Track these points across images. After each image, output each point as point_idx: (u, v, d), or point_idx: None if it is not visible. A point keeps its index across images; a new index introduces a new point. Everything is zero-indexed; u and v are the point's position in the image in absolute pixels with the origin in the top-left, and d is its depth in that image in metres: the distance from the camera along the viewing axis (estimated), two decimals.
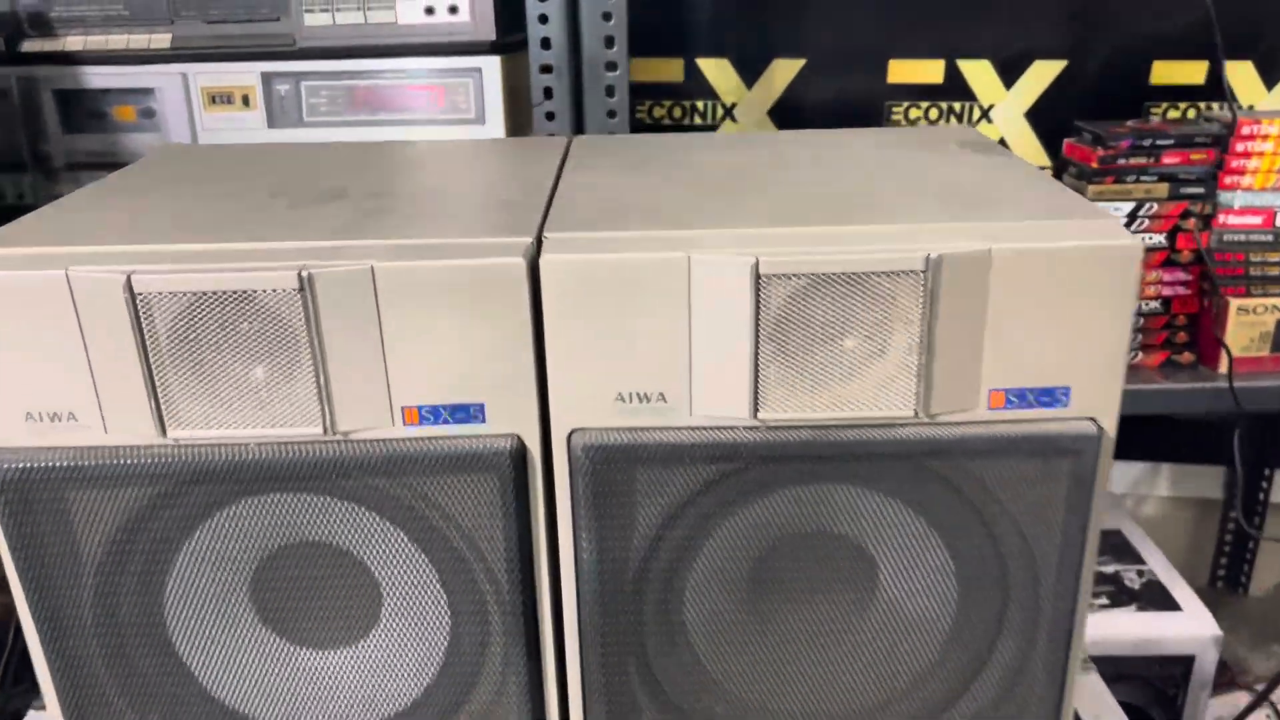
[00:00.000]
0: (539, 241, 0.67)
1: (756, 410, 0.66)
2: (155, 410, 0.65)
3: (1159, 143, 1.31)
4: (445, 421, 0.67)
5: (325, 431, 0.66)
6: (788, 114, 1.63)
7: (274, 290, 0.63)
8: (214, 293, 0.63)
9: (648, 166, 0.85)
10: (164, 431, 0.66)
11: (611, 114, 1.47)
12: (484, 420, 0.67)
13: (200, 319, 0.63)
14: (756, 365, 0.65)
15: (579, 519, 0.69)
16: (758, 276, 0.63)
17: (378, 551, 0.70)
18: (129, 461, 0.66)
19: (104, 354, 0.64)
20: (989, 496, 0.70)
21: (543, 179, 0.82)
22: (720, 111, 1.67)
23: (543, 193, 0.78)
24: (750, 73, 1.64)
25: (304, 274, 0.62)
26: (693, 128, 1.69)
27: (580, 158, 0.89)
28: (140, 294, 0.62)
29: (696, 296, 0.64)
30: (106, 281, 0.62)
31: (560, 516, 0.70)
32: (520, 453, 0.67)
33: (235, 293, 0.63)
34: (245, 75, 1.41)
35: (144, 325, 0.63)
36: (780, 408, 0.66)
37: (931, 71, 1.62)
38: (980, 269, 0.64)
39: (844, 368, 0.66)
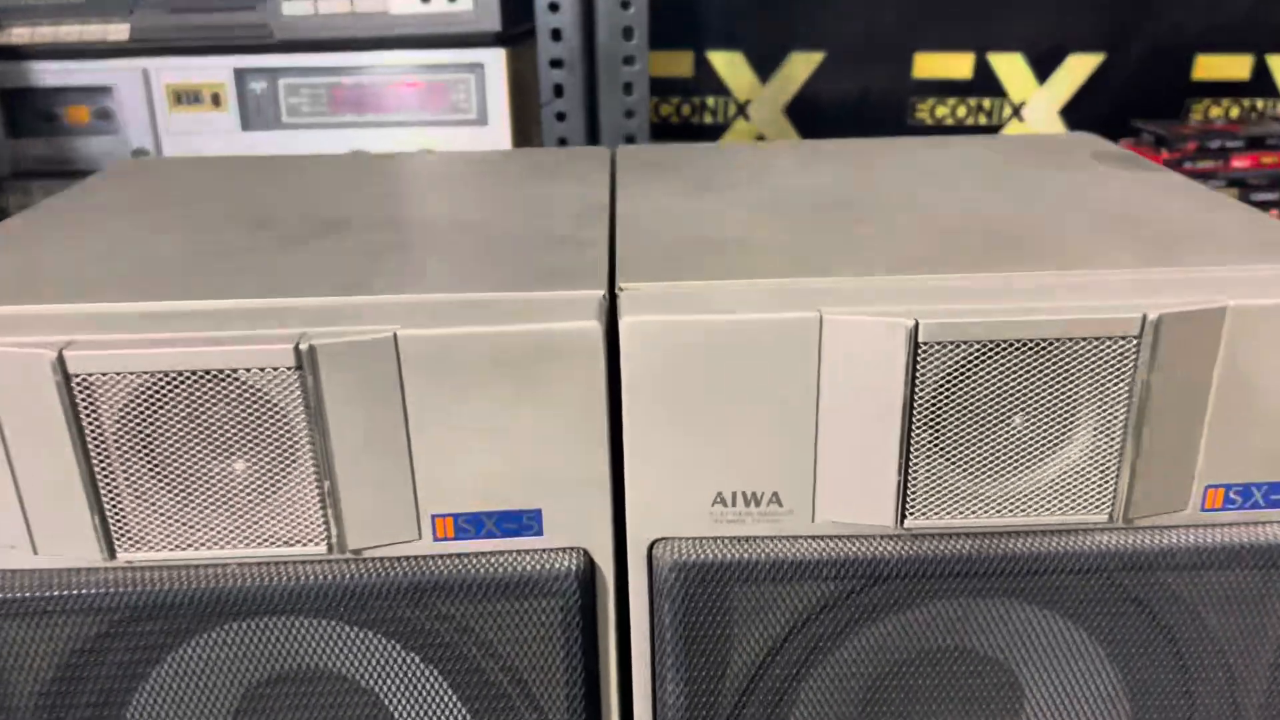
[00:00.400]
0: (612, 295, 0.51)
1: (903, 517, 0.50)
2: (99, 526, 0.48)
3: (1228, 145, 1.18)
4: (490, 534, 0.50)
5: (331, 550, 0.49)
6: (805, 112, 1.53)
7: (263, 369, 0.46)
8: (179, 373, 0.46)
9: (721, 186, 0.68)
10: (112, 553, 0.49)
11: (629, 114, 1.32)
12: (540, 531, 0.51)
13: (161, 407, 0.47)
14: (906, 458, 0.49)
15: (663, 654, 0.53)
16: (916, 342, 0.47)
17: (397, 688, 0.54)
18: (63, 593, 0.49)
19: (29, 452, 0.47)
20: (1189, 617, 0.54)
21: (595, 204, 0.65)
22: (733, 109, 1.55)
23: (598, 224, 0.61)
24: (765, 67, 1.51)
25: (303, 347, 0.46)
26: (702, 127, 1.56)
27: (632, 174, 0.73)
28: (77, 376, 0.45)
29: (829, 369, 0.48)
30: (29, 359, 0.45)
31: (636, 650, 0.54)
32: (588, 572, 0.51)
33: (209, 373, 0.46)
34: (215, 71, 1.25)
35: (82, 416, 0.46)
36: (933, 512, 0.50)
37: (960, 65, 1.52)
38: (1210, 331, 0.48)
39: (1017, 459, 0.49)
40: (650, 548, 0.52)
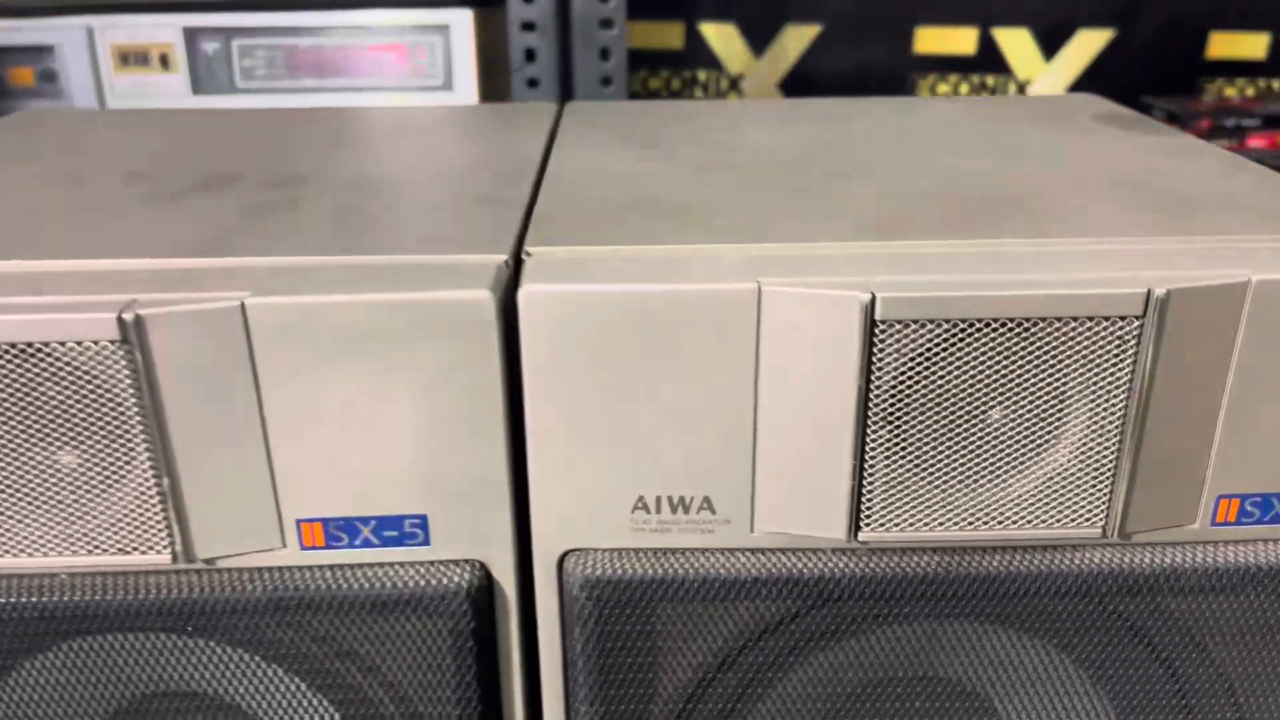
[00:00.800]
0: (517, 261, 0.43)
1: (857, 528, 0.42)
2: None
3: (1244, 123, 1.11)
4: (367, 544, 0.43)
5: (176, 559, 0.42)
6: (800, 87, 1.46)
7: (82, 343, 0.38)
8: None
9: (672, 144, 0.60)
10: None
11: (606, 81, 1.24)
12: (427, 541, 0.43)
13: None
14: (862, 460, 0.41)
15: (576, 684, 0.45)
16: (872, 320, 0.39)
17: (272, 706, 0.46)
18: None
19: None
20: (1193, 649, 0.46)
21: (524, 161, 0.57)
22: (725, 83, 1.47)
23: (524, 181, 0.53)
24: (759, 39, 1.44)
25: (127, 316, 0.38)
26: None
27: (575, 130, 0.64)
28: None
29: (769, 351, 0.40)
30: None
31: (547, 679, 0.46)
32: (484, 589, 0.43)
33: (23, 347, 0.38)
34: (163, 30, 1.18)
35: None
36: (892, 523, 0.42)
37: (963, 40, 1.45)
38: (1228, 310, 0.40)
39: (994, 462, 0.41)
40: (560, 561, 0.44)
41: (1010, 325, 0.39)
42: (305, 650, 0.44)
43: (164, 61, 1.22)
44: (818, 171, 0.54)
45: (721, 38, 1.45)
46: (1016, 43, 1.45)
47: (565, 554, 0.44)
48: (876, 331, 0.39)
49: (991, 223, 0.46)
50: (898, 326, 0.39)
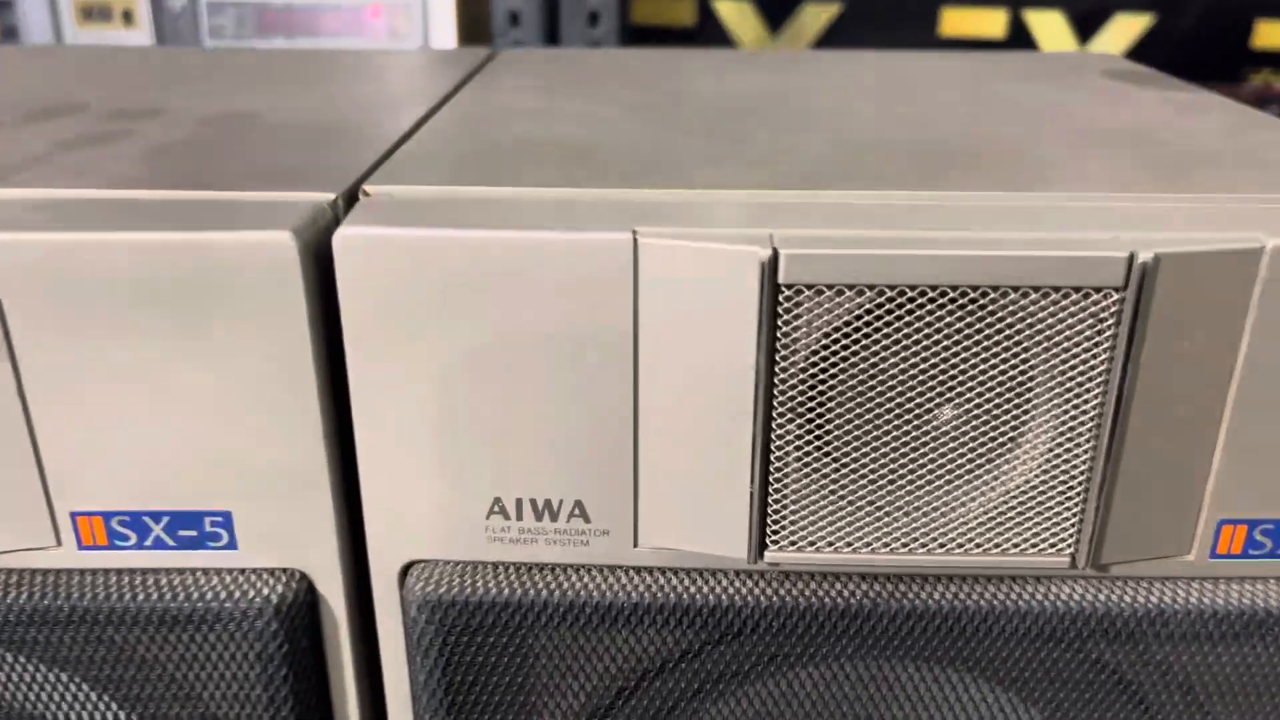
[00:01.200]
0: (350, 199, 0.34)
1: (762, 547, 0.34)
2: None
3: None
4: (160, 544, 0.35)
5: None
6: None
7: None
8: None
9: (607, 90, 0.52)
10: None
11: (595, 46, 1.16)
12: (233, 543, 0.35)
13: None
14: (766, 460, 0.32)
15: (422, 712, 0.37)
16: (776, 284, 0.30)
17: (66, 716, 0.38)
18: None
19: None
20: (1188, 706, 0.37)
21: (421, 100, 0.49)
22: None
23: (406, 119, 0.45)
24: (775, 18, 1.37)
25: None
26: None
27: (501, 73, 0.56)
28: None
29: (650, 319, 0.31)
30: None
31: (393, 708, 0.38)
32: (304, 605, 0.35)
33: None
34: None
35: None
36: (807, 541, 0.34)
37: (992, 23, 1.37)
38: (1237, 282, 0.31)
39: (940, 471, 0.33)
40: (403, 575, 0.36)
41: (958, 297, 0.31)
42: (93, 656, 0.36)
43: (126, 17, 1.15)
44: (759, 120, 0.45)
45: (736, 15, 1.38)
46: (1049, 26, 1.38)
47: (408, 566, 0.36)
48: (781, 299, 0.31)
49: (945, 175, 0.37)
50: (808, 293, 0.30)
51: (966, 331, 0.31)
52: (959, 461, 0.33)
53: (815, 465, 0.33)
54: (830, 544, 0.34)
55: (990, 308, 0.31)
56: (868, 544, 0.34)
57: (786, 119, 0.45)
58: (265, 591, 0.34)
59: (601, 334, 0.32)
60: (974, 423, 0.32)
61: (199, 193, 0.34)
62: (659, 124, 0.44)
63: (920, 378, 0.32)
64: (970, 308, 0.31)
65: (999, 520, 0.34)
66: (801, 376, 0.32)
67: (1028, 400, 0.32)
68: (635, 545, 0.35)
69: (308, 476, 0.34)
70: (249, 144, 0.40)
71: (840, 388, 0.32)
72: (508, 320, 0.32)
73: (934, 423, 0.33)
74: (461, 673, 0.36)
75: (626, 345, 0.32)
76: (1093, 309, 0.31)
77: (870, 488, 0.33)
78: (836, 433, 0.32)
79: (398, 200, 0.34)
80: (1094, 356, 0.31)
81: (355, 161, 0.38)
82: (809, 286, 0.30)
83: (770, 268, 0.30)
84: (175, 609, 0.34)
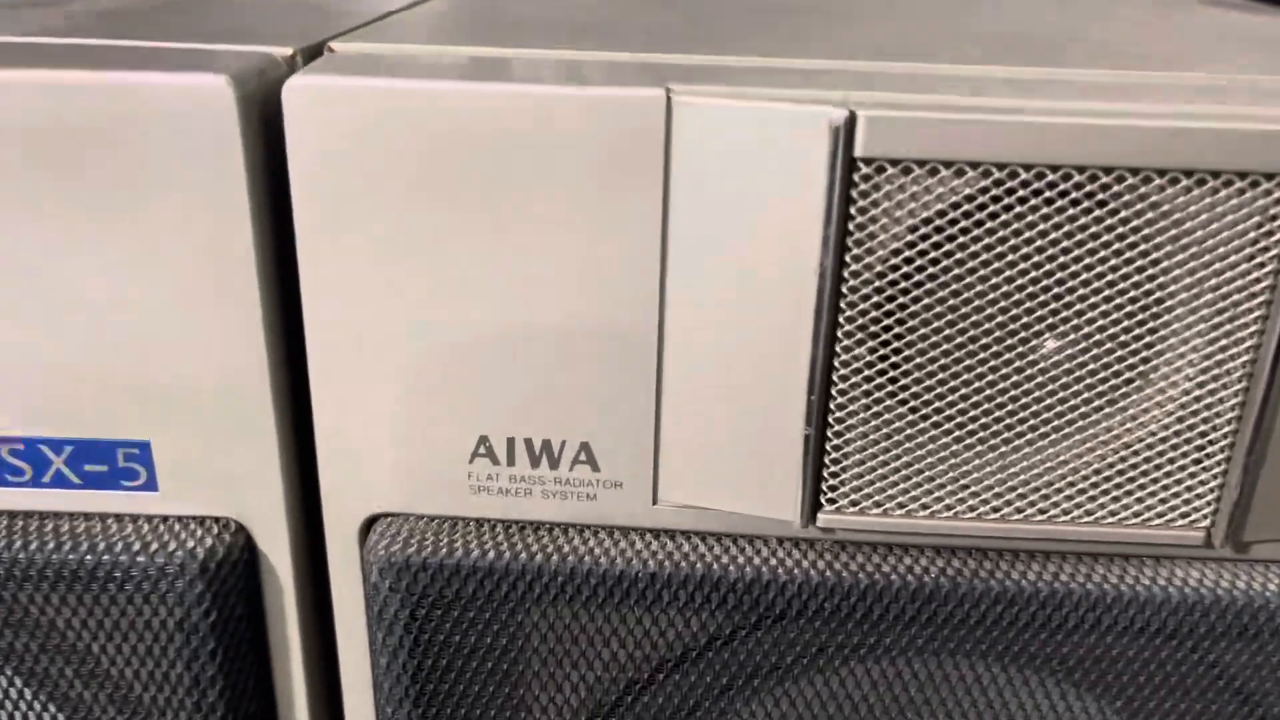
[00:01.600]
0: (313, 56, 0.27)
1: (816, 507, 0.27)
2: None
3: None
4: (61, 481, 0.28)
5: None
6: None
7: None
8: None
9: None
10: None
11: None
12: (153, 483, 0.27)
13: None
14: (826, 391, 0.25)
15: (384, 708, 0.30)
16: (849, 155, 0.23)
17: None
18: None
19: None
20: None
21: None
22: None
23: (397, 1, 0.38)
24: None
25: None
26: None
27: None
28: None
29: (683, 201, 0.24)
30: None
31: (350, 690, 0.31)
32: (237, 562, 0.28)
33: None
34: None
35: None
36: (873, 500, 0.26)
37: None
38: None
39: (1040, 414, 0.26)
40: (364, 530, 0.29)
41: (1085, 182, 0.23)
42: None
43: None
44: (812, 14, 0.38)
45: None
46: None
47: (371, 520, 0.29)
48: (858, 179, 0.23)
49: (1053, 55, 0.30)
50: (892, 171, 0.23)
51: (1092, 229, 0.24)
52: (1068, 404, 0.26)
53: (886, 403, 0.26)
54: (901, 505, 0.27)
55: (1126, 198, 0.24)
56: (949, 507, 0.27)
57: (844, 13, 0.38)
58: (190, 544, 0.27)
59: (620, 221, 0.25)
60: (1090, 354, 0.25)
61: (131, 41, 0.27)
62: (691, 14, 0.37)
63: (1025, 294, 0.25)
64: (1100, 197, 0.24)
65: (1115, 482, 0.27)
66: (878, 284, 0.25)
67: (1164, 325, 0.25)
68: (654, 502, 0.28)
69: (246, 398, 0.27)
70: (210, 12, 0.34)
71: (927, 300, 0.25)
72: (500, 199, 0.25)
73: (1035, 353, 0.26)
74: (433, 654, 0.29)
75: (653, 237, 0.25)
76: (1260, 204, 0.23)
77: (955, 435, 0.26)
78: (918, 359, 0.25)
79: (369, 55, 0.27)
80: (1257, 268, 0.24)
81: (325, 26, 0.31)
82: (894, 162, 0.23)
83: (845, 135, 0.23)
84: (77, 563, 0.27)
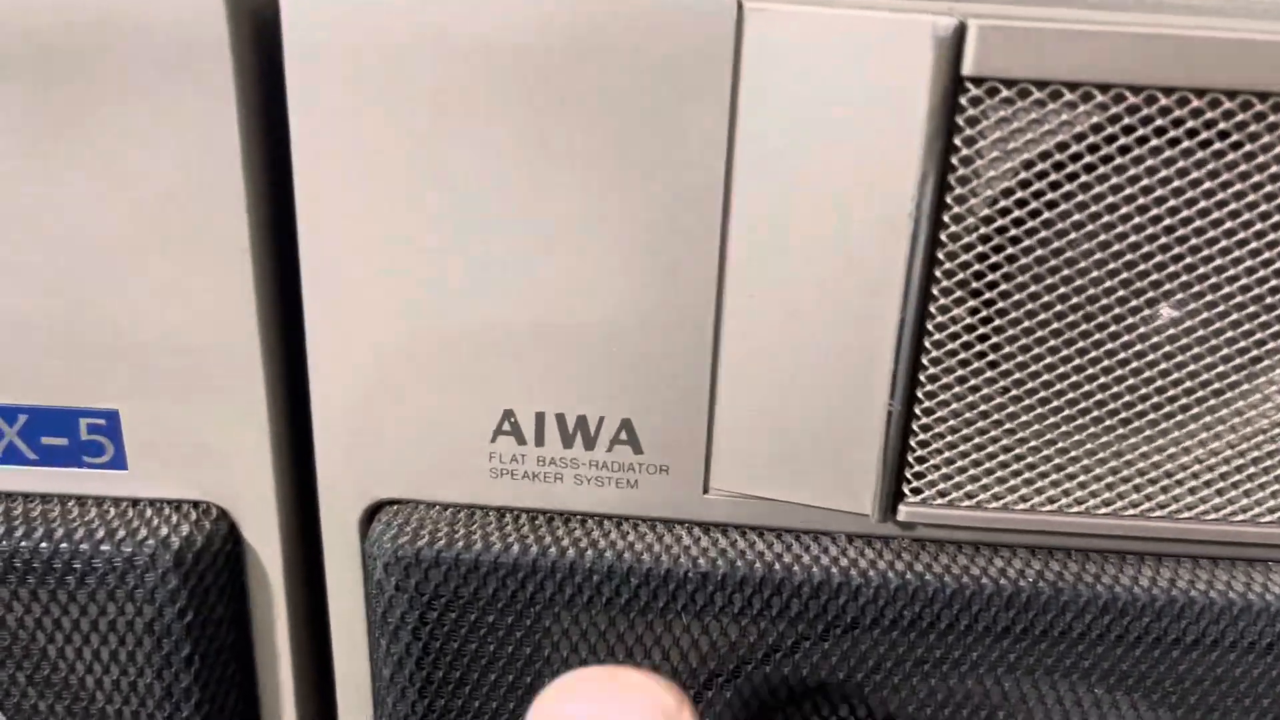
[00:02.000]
0: None
1: (896, 498, 0.23)
2: None
3: None
4: (16, 456, 0.24)
5: None
6: None
7: None
8: None
9: None
10: None
11: None
12: (120, 460, 0.23)
13: None
14: (915, 359, 0.21)
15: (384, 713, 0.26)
16: (956, 73, 0.19)
17: None
18: None
19: None
20: None
21: None
22: None
23: None
24: None
25: None
26: None
27: None
28: None
29: (752, 127, 0.20)
30: None
31: (345, 710, 0.27)
32: (221, 554, 0.24)
33: None
34: None
35: None
36: (964, 493, 0.22)
37: None
38: None
39: (1165, 391, 0.22)
40: (367, 518, 0.25)
41: (1237, 109, 0.20)
42: None
43: None
44: None
45: None
46: None
47: (375, 507, 0.25)
48: (965, 102, 0.20)
49: None
50: (1007, 94, 0.19)
51: (1242, 169, 0.20)
52: (1198, 382, 0.22)
53: (988, 374, 0.22)
54: (997, 497, 0.23)
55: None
56: (1050, 500, 0.23)
57: None
58: (164, 531, 0.24)
59: (677, 153, 0.21)
60: (1230, 320, 0.21)
61: None
62: None
63: (1164, 239, 0.21)
64: (1252, 129, 0.20)
65: (1249, 474, 0.23)
66: (982, 231, 0.21)
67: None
68: (705, 491, 0.24)
69: (232, 360, 0.23)
70: None
71: (1040, 252, 0.21)
72: (533, 122, 0.21)
73: (1153, 324, 0.22)
74: (445, 665, 0.25)
75: (715, 171, 0.21)
76: None
77: (1064, 414, 0.22)
78: (1025, 324, 0.21)
79: None
80: None
81: None
82: (1009, 83, 0.19)
83: (951, 49, 0.19)
84: (30, 551, 0.23)
